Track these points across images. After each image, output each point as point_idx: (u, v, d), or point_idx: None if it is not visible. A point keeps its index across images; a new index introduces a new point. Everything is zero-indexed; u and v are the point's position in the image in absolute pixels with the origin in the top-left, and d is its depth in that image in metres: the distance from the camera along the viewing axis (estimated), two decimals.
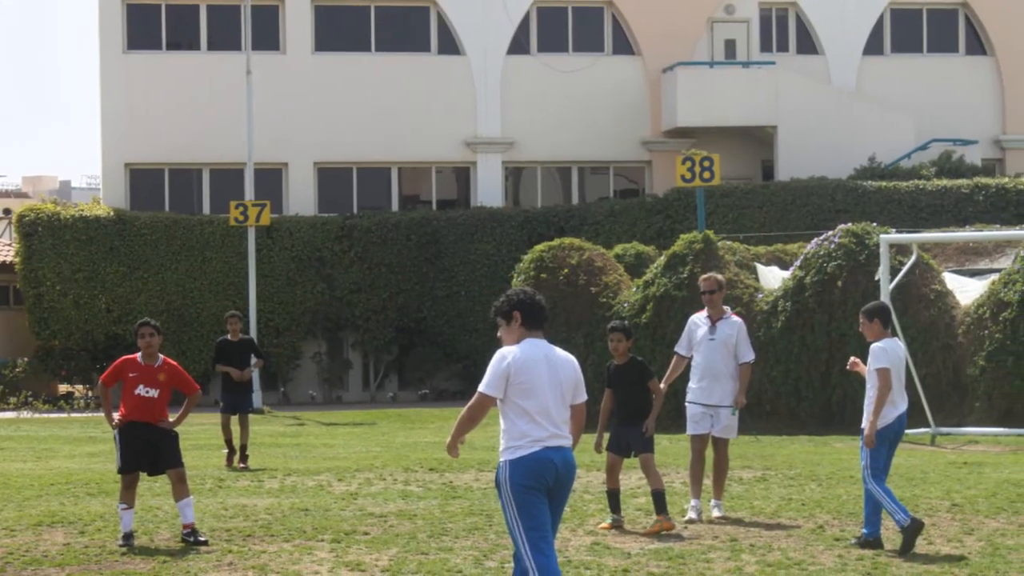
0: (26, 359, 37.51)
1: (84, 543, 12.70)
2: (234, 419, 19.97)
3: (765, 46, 41.73)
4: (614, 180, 41.60)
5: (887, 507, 12.00)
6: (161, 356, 13.17)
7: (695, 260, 26.25)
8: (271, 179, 39.01)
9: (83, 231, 36.81)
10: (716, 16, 41.43)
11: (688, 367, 14.50)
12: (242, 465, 19.40)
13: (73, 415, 33.11)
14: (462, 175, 41.04)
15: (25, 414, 33.64)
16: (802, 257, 26.10)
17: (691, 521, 13.72)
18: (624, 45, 41.25)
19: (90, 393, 36.67)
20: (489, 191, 39.96)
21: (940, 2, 42.74)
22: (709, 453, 14.38)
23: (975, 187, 36.95)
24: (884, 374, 12.13)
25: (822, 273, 25.32)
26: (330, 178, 40.16)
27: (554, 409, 8.62)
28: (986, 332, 24.14)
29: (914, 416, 18.50)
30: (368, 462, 19.86)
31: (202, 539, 12.66)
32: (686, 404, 14.45)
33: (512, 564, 8.94)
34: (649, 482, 13.48)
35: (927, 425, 22.73)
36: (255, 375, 24.27)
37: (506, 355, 8.63)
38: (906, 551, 11.84)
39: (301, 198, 39.47)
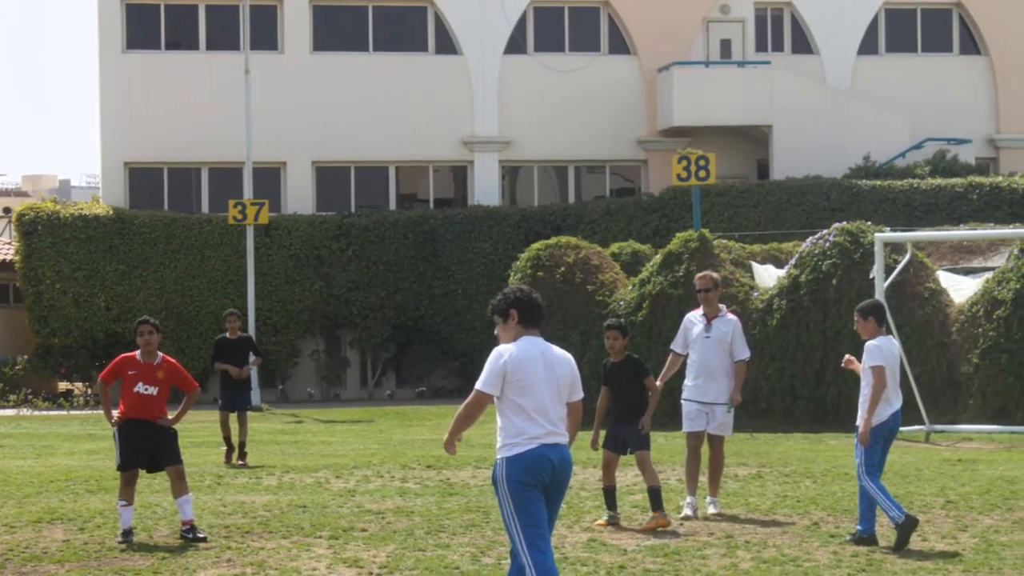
0: (26, 357, 37.54)
1: (84, 540, 12.71)
2: (233, 416, 19.96)
3: (760, 46, 41.80)
4: (610, 179, 41.64)
5: (882, 504, 12.00)
6: (160, 354, 13.17)
7: (691, 258, 26.28)
8: (269, 178, 39.06)
9: (82, 230, 36.86)
10: (712, 16, 41.50)
11: (684, 365, 14.52)
12: (240, 462, 19.39)
13: (73, 412, 33.02)
14: (459, 174, 41.09)
15: (25, 411, 33.57)
16: (797, 255, 26.13)
17: (687, 518, 13.71)
18: (620, 45, 41.30)
19: (89, 391, 36.74)
20: (486, 190, 40.02)
21: (934, 2, 42.79)
22: (705, 450, 14.38)
23: (969, 186, 37.00)
24: (878, 372, 12.15)
25: (817, 271, 25.36)
26: (328, 177, 40.21)
27: (551, 406, 8.62)
28: (980, 330, 24.16)
29: (908, 413, 18.46)
30: (366, 459, 19.84)
31: (201, 536, 12.65)
32: (682, 401, 14.44)
33: (509, 560, 8.92)
34: (645, 479, 13.50)
35: (921, 422, 22.76)
36: (254, 373, 24.26)
37: (503, 353, 8.62)
38: (900, 548, 11.86)
39: (299, 197, 39.53)
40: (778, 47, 42.03)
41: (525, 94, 40.42)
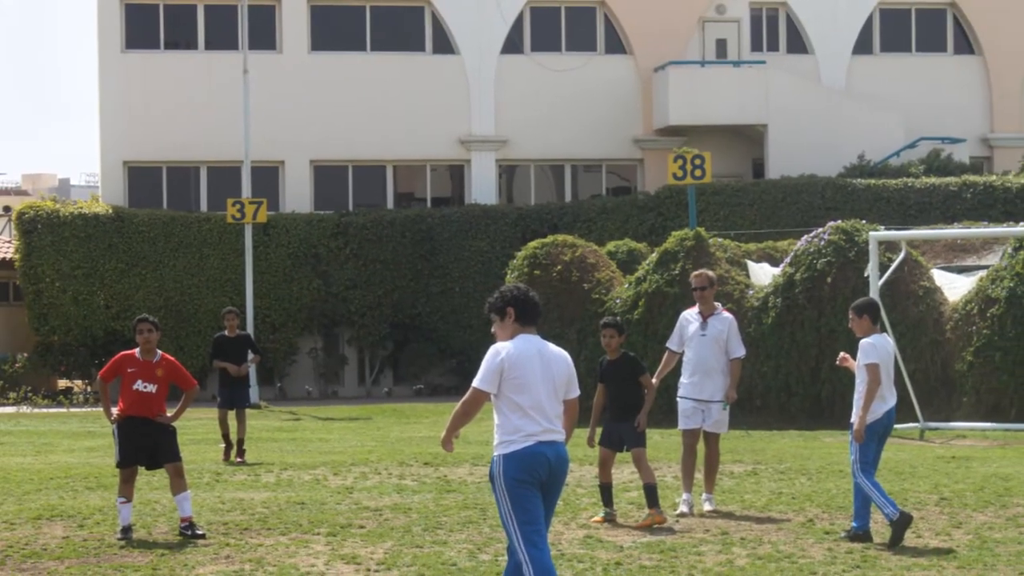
0: (26, 355, 37.55)
1: (83, 536, 12.74)
2: (231, 414, 19.99)
3: (756, 45, 41.85)
4: (606, 178, 41.69)
5: (876, 501, 12.04)
6: (159, 352, 13.19)
7: (686, 257, 26.30)
8: (267, 177, 39.12)
9: (82, 228, 36.89)
10: (707, 16, 41.54)
11: (680, 362, 14.54)
12: (239, 459, 19.42)
13: (72, 410, 32.95)
14: (456, 173, 41.13)
15: (25, 409, 33.53)
16: (792, 254, 26.13)
17: (683, 515, 13.76)
18: (616, 44, 41.35)
19: (89, 388, 36.69)
20: (483, 189, 40.07)
21: (929, 2, 42.83)
22: (700, 447, 14.43)
23: (963, 185, 37.05)
24: (873, 369, 12.17)
25: (812, 270, 25.38)
26: (326, 176, 40.25)
27: (547, 404, 8.64)
28: (974, 328, 24.20)
29: (903, 411, 18.41)
30: (363, 456, 19.86)
31: (199, 532, 12.68)
32: (678, 399, 14.50)
33: (506, 557, 8.96)
34: (641, 476, 13.52)
35: (916, 420, 22.80)
36: (252, 370, 24.28)
37: (500, 351, 8.64)
38: (895, 544, 11.88)
39: (297, 195, 39.57)
40: (773, 47, 42.08)
41: (522, 93, 40.46)
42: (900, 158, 39.49)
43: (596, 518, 13.49)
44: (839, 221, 26.35)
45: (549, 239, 28.71)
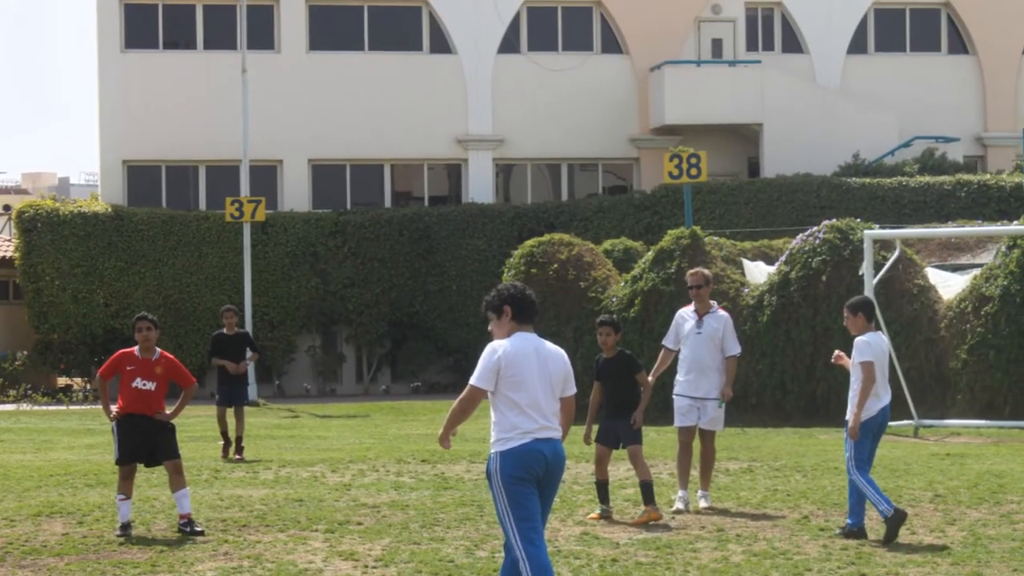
0: (25, 352, 37.61)
1: (82, 533, 12.76)
2: (230, 411, 20.03)
3: (751, 45, 41.89)
4: (603, 177, 41.74)
5: (871, 498, 12.06)
6: (158, 350, 13.20)
7: (682, 255, 26.31)
8: (266, 176, 39.17)
9: (81, 227, 36.97)
10: (703, 16, 41.59)
11: (675, 360, 14.56)
12: (238, 456, 19.46)
13: (72, 407, 32.90)
14: (453, 172, 41.18)
15: (24, 406, 33.45)
16: (787, 252, 26.14)
17: (678, 511, 13.79)
18: (612, 44, 41.40)
19: (88, 386, 36.68)
20: (480, 188, 40.12)
21: (923, 2, 42.90)
22: (696, 445, 14.45)
23: (957, 184, 37.09)
24: (868, 367, 12.20)
25: (807, 268, 25.40)
26: (324, 175, 40.30)
27: (544, 401, 8.63)
28: (968, 326, 24.20)
29: (897, 408, 18.55)
30: (361, 454, 19.88)
31: (198, 529, 12.70)
32: (673, 397, 14.52)
33: (503, 554, 8.93)
34: (637, 473, 13.55)
35: (910, 417, 22.81)
36: (250, 368, 24.35)
37: (497, 349, 8.63)
38: (889, 541, 11.91)
39: (295, 194, 39.63)
40: (768, 46, 42.14)
41: (519, 93, 40.51)
42: (894, 157, 39.55)
43: (593, 515, 13.50)
44: (834, 220, 26.34)
45: (546, 238, 28.73)
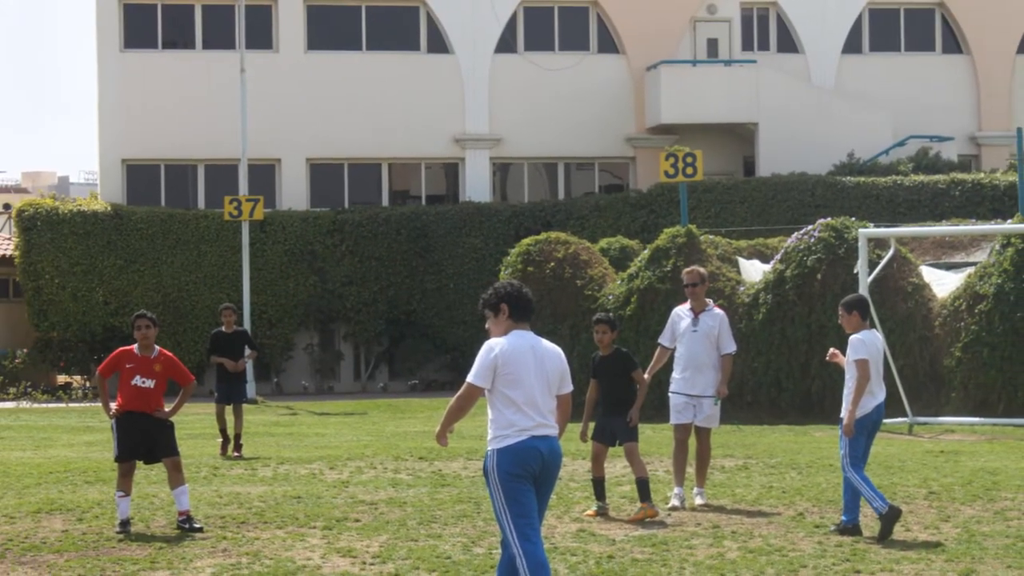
0: (25, 350, 37.65)
1: (82, 530, 12.78)
2: (228, 409, 20.11)
3: (746, 45, 41.97)
4: (599, 176, 41.80)
5: (865, 495, 12.06)
6: (157, 347, 13.23)
7: (678, 254, 26.34)
8: (264, 174, 39.23)
9: (81, 225, 37.02)
10: (699, 16, 41.66)
11: (671, 358, 14.60)
12: (236, 454, 19.48)
13: (71, 405, 32.94)
14: (451, 171, 41.23)
15: (24, 404, 33.55)
16: (783, 251, 26.16)
17: (674, 508, 13.81)
18: (609, 44, 41.46)
19: (88, 383, 36.74)
20: (477, 186, 40.18)
21: (917, 2, 42.94)
22: (692, 442, 14.45)
23: (951, 183, 37.13)
24: (862, 365, 12.22)
25: (802, 266, 25.42)
26: (322, 174, 40.35)
27: (540, 399, 8.62)
28: (962, 324, 24.25)
29: (892, 406, 18.56)
30: (359, 451, 19.90)
31: (197, 526, 12.73)
32: (669, 394, 14.51)
33: (500, 551, 8.96)
34: (633, 470, 13.57)
35: (905, 415, 22.82)
36: (249, 366, 24.36)
37: (494, 346, 8.63)
38: (884, 538, 11.93)
39: (293, 193, 39.69)
40: (764, 46, 42.20)
41: (515, 92, 40.57)
42: (889, 156, 39.59)
43: (589, 512, 13.53)
44: (829, 218, 26.31)
45: (542, 236, 28.76)
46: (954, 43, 43.07)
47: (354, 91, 39.92)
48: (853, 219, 26.67)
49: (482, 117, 40.43)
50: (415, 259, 38.03)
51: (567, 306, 27.32)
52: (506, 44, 40.77)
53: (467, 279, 37.49)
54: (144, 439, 13.04)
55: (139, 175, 39.60)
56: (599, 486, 13.64)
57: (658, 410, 19.59)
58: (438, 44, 40.72)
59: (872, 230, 24.96)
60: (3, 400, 34.65)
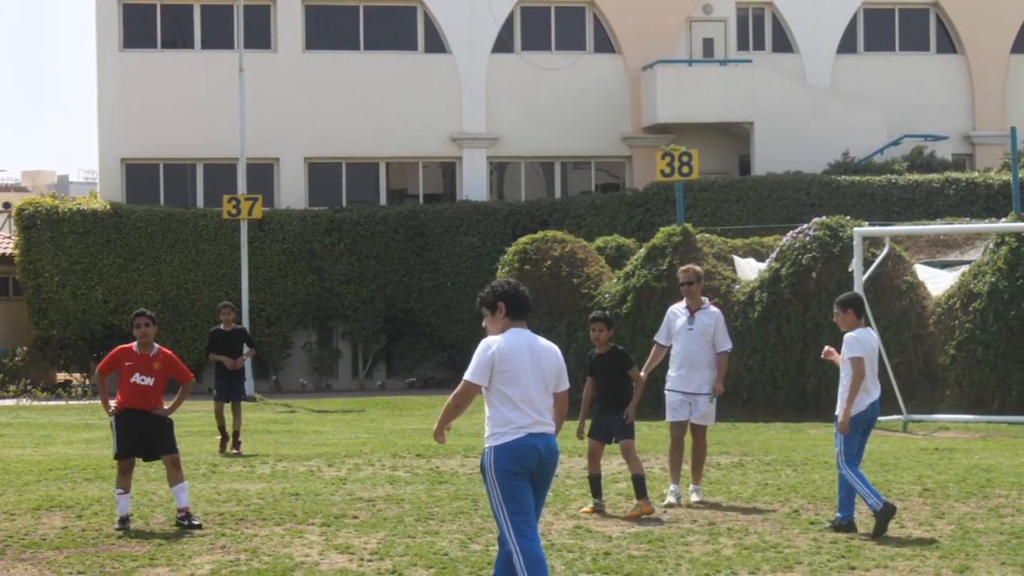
0: (25, 348, 37.58)
1: (81, 527, 12.82)
2: (227, 406, 20.19)
3: (742, 45, 41.99)
4: (596, 175, 41.84)
5: (860, 492, 12.12)
6: (156, 345, 13.29)
7: (674, 252, 26.36)
8: (263, 173, 39.28)
9: (80, 224, 37.05)
10: (694, 16, 41.70)
11: (667, 356, 14.62)
12: (235, 451, 19.54)
13: (71, 403, 32.94)
14: (448, 170, 41.28)
15: (24, 402, 33.56)
16: (778, 249, 26.20)
17: (670, 505, 13.85)
18: (605, 44, 41.50)
19: (87, 381, 36.68)
20: (474, 185, 40.22)
21: (912, 2, 42.97)
22: (688, 439, 14.49)
23: (946, 181, 37.14)
24: (857, 363, 12.27)
25: (797, 265, 25.49)
26: (320, 172, 40.40)
27: (537, 397, 8.65)
28: (956, 322, 24.33)
29: (887, 403, 18.75)
30: (357, 448, 19.95)
31: (196, 523, 12.77)
32: (665, 392, 14.57)
33: (497, 547, 8.99)
34: (629, 467, 13.61)
35: (899, 412, 22.91)
36: (247, 364, 24.42)
37: (491, 344, 8.66)
38: (878, 534, 11.97)
39: (292, 192, 39.74)
40: (759, 46, 42.23)
41: (512, 92, 40.61)
42: (884, 155, 39.62)
43: (585, 509, 13.58)
44: (824, 217, 26.40)
45: (539, 235, 28.77)
46: (948, 43, 43.13)
47: (352, 91, 39.97)
48: (848, 218, 26.69)
49: (479, 116, 40.47)
50: (413, 258, 38.07)
51: (564, 304, 27.35)
52: (503, 44, 40.81)
53: (464, 277, 37.54)
54: (143, 436, 13.07)
55: (138, 174, 39.64)
56: (595, 483, 13.66)
57: (654, 407, 19.67)
58: (435, 44, 40.77)
59: (867, 229, 24.94)
60: (3, 398, 34.62)
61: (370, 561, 11.14)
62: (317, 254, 37.91)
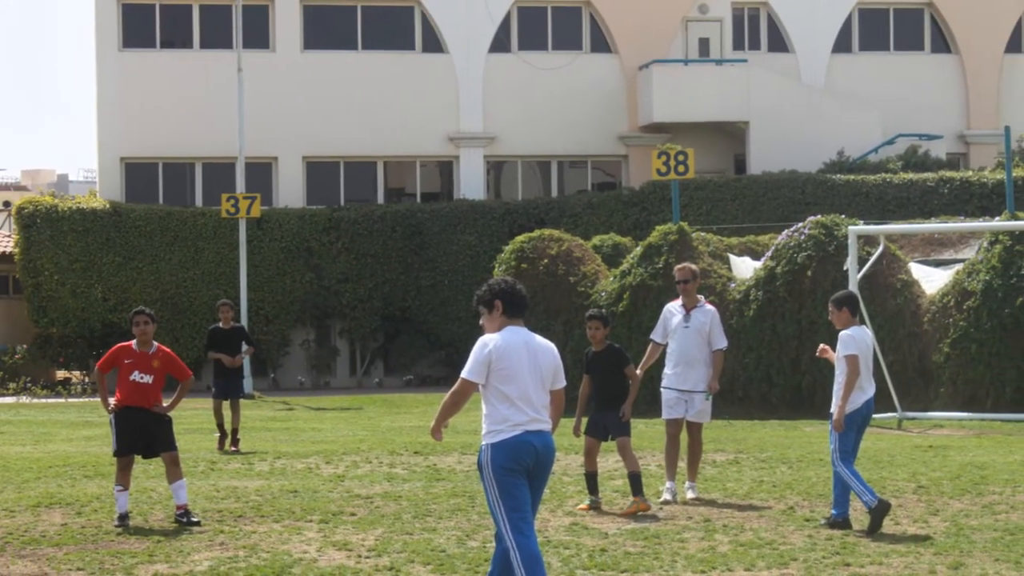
0: (25, 346, 37.61)
1: (81, 523, 12.83)
2: (226, 404, 20.25)
3: (737, 44, 42.02)
4: (592, 174, 41.89)
5: (855, 489, 12.14)
6: (155, 343, 13.28)
7: (670, 251, 26.36)
8: (261, 172, 39.33)
9: (80, 223, 37.10)
10: (690, 15, 41.75)
11: (663, 354, 14.64)
12: (233, 448, 19.58)
13: (70, 400, 32.92)
14: (445, 169, 41.32)
15: (24, 399, 33.61)
16: (773, 248, 26.22)
17: (666, 502, 13.87)
18: (601, 43, 41.55)
19: (87, 379, 36.69)
20: (471, 184, 40.27)
21: (906, 2, 43.00)
22: (684, 437, 14.51)
23: (940, 180, 37.19)
24: (852, 361, 12.29)
25: (792, 263, 25.50)
26: (318, 171, 40.45)
27: (534, 394, 8.66)
28: (951, 320, 24.28)
29: (881, 401, 18.71)
30: (355, 445, 19.95)
31: (195, 520, 12.77)
32: (661, 389, 14.61)
33: (494, 544, 9.03)
34: (626, 465, 13.62)
35: (894, 410, 22.90)
36: (246, 361, 24.48)
37: (488, 342, 8.67)
38: (873, 531, 11.99)
39: (290, 191, 39.78)
40: (755, 46, 42.27)
41: (509, 91, 40.65)
42: (878, 154, 39.68)
43: (582, 506, 13.60)
44: (819, 216, 26.41)
45: (536, 233, 28.80)
46: (943, 43, 43.20)
47: (350, 90, 40.02)
48: (843, 216, 26.74)
49: (476, 116, 40.53)
50: (410, 256, 38.12)
51: (560, 302, 27.38)
52: (500, 44, 40.86)
53: (461, 276, 37.58)
54: (142, 434, 13.08)
55: (137, 173, 39.68)
56: (592, 480, 13.68)
57: (650, 405, 19.65)
58: (433, 44, 40.82)
59: (862, 227, 24.99)
60: (3, 395, 34.66)
61: (368, 558, 11.14)
62: (315, 253, 37.96)
